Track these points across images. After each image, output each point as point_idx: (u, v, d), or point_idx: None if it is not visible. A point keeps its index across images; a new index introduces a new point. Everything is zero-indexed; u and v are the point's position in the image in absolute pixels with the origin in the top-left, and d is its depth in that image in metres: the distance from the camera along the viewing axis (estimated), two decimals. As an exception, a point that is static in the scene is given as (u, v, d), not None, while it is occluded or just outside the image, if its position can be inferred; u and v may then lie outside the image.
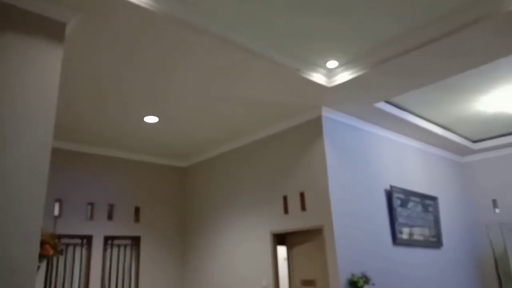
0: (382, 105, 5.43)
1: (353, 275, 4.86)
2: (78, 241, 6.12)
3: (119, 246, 6.55)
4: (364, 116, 5.70)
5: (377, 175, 5.88)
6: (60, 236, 5.68)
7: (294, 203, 5.45)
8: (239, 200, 6.34)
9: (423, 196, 6.57)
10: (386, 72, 4.39)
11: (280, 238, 5.72)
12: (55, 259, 5.74)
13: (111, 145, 6.54)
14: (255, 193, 6.09)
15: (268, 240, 5.69)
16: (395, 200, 5.95)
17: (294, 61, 4.24)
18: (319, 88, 4.66)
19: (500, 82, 5.17)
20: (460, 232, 7.28)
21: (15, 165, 2.66)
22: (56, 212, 5.87)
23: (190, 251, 7.11)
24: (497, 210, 7.41)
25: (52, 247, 2.98)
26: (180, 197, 7.52)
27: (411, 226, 6.11)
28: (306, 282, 5.31)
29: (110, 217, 6.50)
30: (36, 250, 2.66)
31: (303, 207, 5.33)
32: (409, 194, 6.27)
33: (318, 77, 4.50)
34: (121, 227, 6.61)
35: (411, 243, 6.01)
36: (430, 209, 6.64)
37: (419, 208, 6.40)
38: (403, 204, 6.10)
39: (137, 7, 3.13)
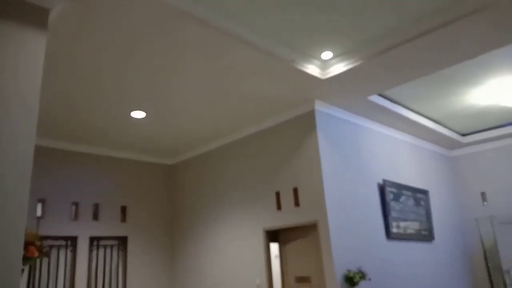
0: (375, 98, 5.36)
1: (349, 270, 4.78)
2: (63, 242, 5.87)
3: (105, 247, 6.32)
4: (357, 110, 5.62)
5: (370, 169, 5.82)
6: (43, 238, 5.42)
7: (287, 199, 5.34)
8: (230, 197, 6.19)
9: (415, 190, 6.55)
10: (381, 63, 4.31)
11: (272, 235, 5.60)
12: (39, 261, 5.48)
13: (96, 142, 6.29)
14: (246, 190, 5.95)
15: (260, 237, 5.56)
16: (388, 194, 5.90)
17: (289, 52, 4.11)
18: (313, 80, 4.54)
19: (492, 74, 5.16)
20: (451, 226, 7.31)
21: (-4, 161, 2.45)
22: (39, 212, 5.60)
23: (179, 251, 6.93)
24: (485, 203, 7.46)
25: (37, 248, 2.79)
26: (168, 195, 7.32)
27: (403, 220, 6.07)
28: (301, 279, 5.20)
29: (95, 217, 6.26)
30: (20, 252, 2.46)
31: (296, 203, 5.21)
32: (401, 188, 6.23)
33: (312, 69, 4.39)
34: (107, 227, 6.38)
35: (404, 237, 5.97)
36: (422, 202, 6.63)
37: (411, 202, 6.37)
38: (396, 198, 6.05)
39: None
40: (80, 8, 3.14)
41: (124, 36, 3.55)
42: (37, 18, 2.87)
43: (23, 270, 2.57)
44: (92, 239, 6.15)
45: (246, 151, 6.09)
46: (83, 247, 6.02)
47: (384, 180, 5.91)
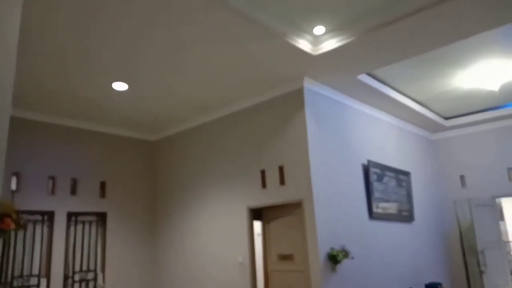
0: (364, 78, 5.29)
1: (332, 249, 4.80)
2: (39, 217, 5.67)
3: (83, 223, 6.15)
4: (345, 89, 5.56)
5: (355, 150, 5.81)
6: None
7: (272, 177, 5.28)
8: (214, 175, 6.08)
9: (398, 171, 6.61)
10: (374, 41, 4.23)
11: (256, 213, 5.56)
12: (13, 235, 5.28)
13: (75, 115, 6.03)
14: (231, 168, 5.85)
15: (244, 216, 5.51)
16: (372, 175, 5.92)
17: (281, 25, 3.97)
18: (304, 56, 4.42)
19: (480, 57, 5.16)
20: (430, 207, 7.44)
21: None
22: (14, 186, 5.37)
23: (160, 228, 6.82)
24: (464, 186, 7.62)
25: (13, 220, 2.64)
26: (150, 172, 7.15)
27: (386, 201, 6.12)
28: (284, 257, 5.20)
29: (73, 192, 6.06)
30: (-5, 223, 2.30)
31: (282, 181, 5.16)
32: (384, 169, 6.26)
33: (304, 44, 4.26)
34: (86, 203, 6.19)
35: (385, 217, 6.04)
36: (404, 184, 6.70)
37: (393, 183, 6.43)
38: (379, 178, 6.09)
39: None
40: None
41: (106, 5, 3.33)
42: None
43: (-2, 242, 2.42)
44: (70, 215, 5.96)
45: (231, 128, 5.96)
46: (60, 222, 5.83)
47: (368, 161, 5.92)
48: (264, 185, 5.36)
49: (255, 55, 4.39)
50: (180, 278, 6.26)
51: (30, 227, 5.57)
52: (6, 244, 5.22)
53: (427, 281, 6.46)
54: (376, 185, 5.96)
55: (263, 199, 5.34)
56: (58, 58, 4.29)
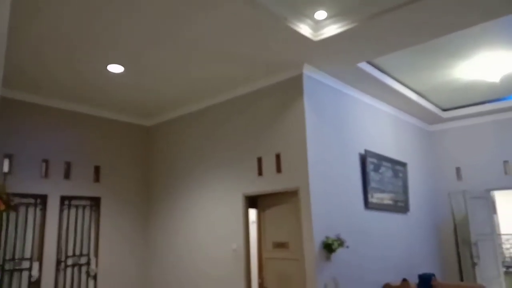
0: (364, 66, 5.22)
1: (327, 237, 4.77)
2: (31, 200, 5.59)
3: (77, 207, 6.09)
4: (344, 77, 5.48)
5: (352, 139, 5.76)
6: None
7: (269, 165, 5.23)
8: (210, 161, 6.02)
9: (394, 162, 6.58)
10: (377, 28, 4.15)
11: (251, 201, 5.52)
12: (5, 217, 5.21)
13: (70, 97, 5.91)
14: (227, 154, 5.79)
15: (240, 203, 5.47)
16: (369, 165, 5.89)
17: (282, 8, 3.87)
18: (304, 41, 4.33)
19: (481, 48, 5.10)
20: (425, 199, 7.45)
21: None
22: (6, 168, 5.29)
23: (154, 214, 6.77)
24: (459, 178, 7.62)
25: (3, 201, 2.57)
26: (144, 157, 7.08)
27: (382, 191, 6.11)
28: (279, 245, 5.18)
29: (67, 175, 5.98)
30: (-15, 204, 2.24)
31: (278, 169, 5.11)
32: (381, 159, 6.23)
33: (305, 29, 4.17)
34: (80, 187, 6.12)
35: (381, 207, 6.02)
36: (400, 174, 6.68)
37: (390, 173, 6.41)
38: (376, 168, 6.06)
39: None
40: None
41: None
42: None
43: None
44: (63, 199, 5.89)
45: (228, 114, 5.89)
46: (53, 206, 5.76)
47: (366, 151, 5.88)
48: (260, 172, 5.31)
49: (255, 38, 4.29)
50: (174, 264, 6.24)
51: (22, 210, 5.50)
52: (-3, 227, 5.16)
53: (420, 272, 6.49)
54: (372, 175, 5.93)
55: (259, 187, 5.30)
56: (53, 38, 4.17)
